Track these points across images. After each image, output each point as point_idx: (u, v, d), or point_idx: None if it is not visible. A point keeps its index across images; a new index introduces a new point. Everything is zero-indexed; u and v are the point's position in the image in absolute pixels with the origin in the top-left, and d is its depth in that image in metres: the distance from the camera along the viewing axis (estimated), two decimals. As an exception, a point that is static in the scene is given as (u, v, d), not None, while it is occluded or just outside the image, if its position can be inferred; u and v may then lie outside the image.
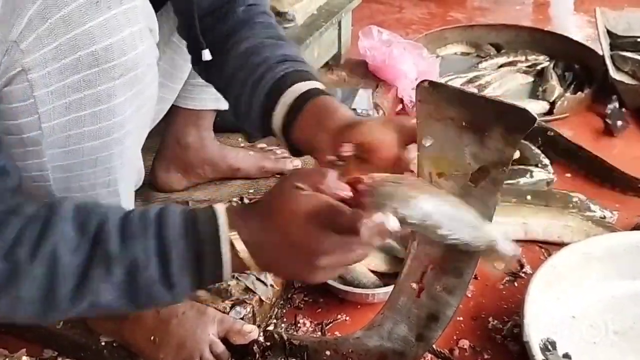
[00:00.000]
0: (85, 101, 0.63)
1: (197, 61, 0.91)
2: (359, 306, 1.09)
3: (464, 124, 0.60)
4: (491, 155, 0.60)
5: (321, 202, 0.57)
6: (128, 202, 0.79)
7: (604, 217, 1.25)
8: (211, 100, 1.18)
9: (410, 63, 1.65)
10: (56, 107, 0.62)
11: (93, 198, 0.72)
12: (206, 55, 0.84)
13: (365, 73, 1.68)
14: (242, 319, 0.97)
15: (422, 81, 0.61)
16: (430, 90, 0.61)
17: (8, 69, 0.59)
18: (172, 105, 1.17)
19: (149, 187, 1.22)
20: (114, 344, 0.94)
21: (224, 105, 1.19)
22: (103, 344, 0.94)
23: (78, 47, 0.59)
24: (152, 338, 0.88)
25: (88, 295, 0.58)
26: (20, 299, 0.57)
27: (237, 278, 1.02)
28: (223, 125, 1.31)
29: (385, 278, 1.11)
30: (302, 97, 0.75)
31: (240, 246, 0.59)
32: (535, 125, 1.49)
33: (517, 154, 0.60)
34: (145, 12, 0.67)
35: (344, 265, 0.61)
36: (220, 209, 0.60)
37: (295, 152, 0.79)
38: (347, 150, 0.66)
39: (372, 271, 1.12)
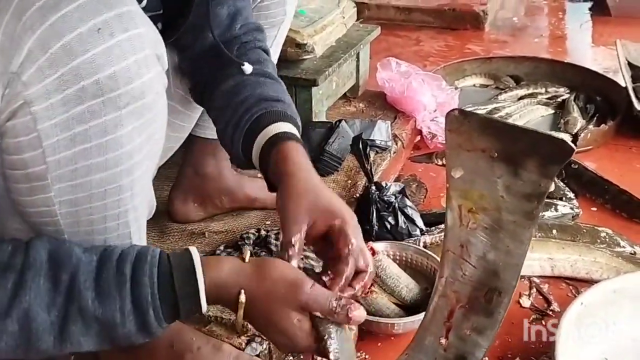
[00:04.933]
0: (90, 132, 0.60)
1: (194, 91, 0.98)
2: (379, 343, 1.05)
3: (496, 154, 0.57)
4: (525, 188, 0.57)
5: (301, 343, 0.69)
6: (139, 233, 0.77)
7: (634, 253, 1.20)
8: (228, 130, 1.17)
9: (429, 95, 1.63)
10: (60, 140, 0.60)
11: (102, 231, 0.70)
12: (247, 69, 0.89)
13: (384, 104, 1.67)
14: (257, 355, 0.94)
15: (452, 110, 0.59)
16: (460, 119, 0.59)
17: (10, 102, 0.57)
18: (190, 134, 1.16)
19: (165, 217, 1.20)
20: (126, 381, 0.91)
21: (241, 135, 1.20)
22: (114, 380, 0.91)
23: (81, 77, 0.57)
24: (165, 376, 0.85)
25: (68, 346, 0.61)
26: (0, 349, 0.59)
27: (253, 313, 0.99)
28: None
29: (407, 310, 1.07)
30: (270, 140, 0.81)
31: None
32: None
33: (552, 187, 0.57)
34: (152, 39, 0.65)
35: None
36: (195, 252, 0.66)
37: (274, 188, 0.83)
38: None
39: (395, 303, 1.08)
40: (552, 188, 0.57)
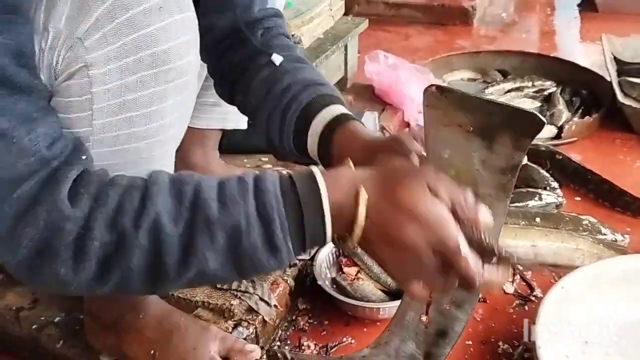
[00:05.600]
0: (139, 101, 0.63)
1: (219, 82, 0.94)
2: (365, 328, 1.07)
3: (471, 129, 0.59)
4: (500, 161, 0.58)
5: (451, 231, 0.57)
6: None
7: (616, 240, 1.22)
8: (217, 119, 1.18)
9: (416, 88, 1.65)
10: (110, 105, 0.63)
11: None
12: (277, 59, 0.85)
13: (372, 97, 1.69)
14: (244, 339, 0.95)
15: (430, 86, 0.61)
16: (438, 95, 0.60)
17: (70, 64, 0.60)
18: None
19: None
20: (114, 362, 0.92)
21: (229, 124, 1.20)
22: (103, 362, 0.92)
23: (140, 48, 0.61)
24: (152, 352, 0.86)
25: (195, 263, 0.58)
26: (131, 270, 0.58)
27: (240, 297, 1.00)
28: (229, 146, 1.31)
29: (393, 296, 1.09)
30: (329, 126, 0.77)
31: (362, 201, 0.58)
32: (544, 148, 1.50)
33: (525, 160, 0.58)
34: (195, 24, 0.69)
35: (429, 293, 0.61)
36: (317, 170, 0.61)
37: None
38: None
39: (381, 290, 1.10)
40: (524, 161, 0.58)
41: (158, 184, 0.59)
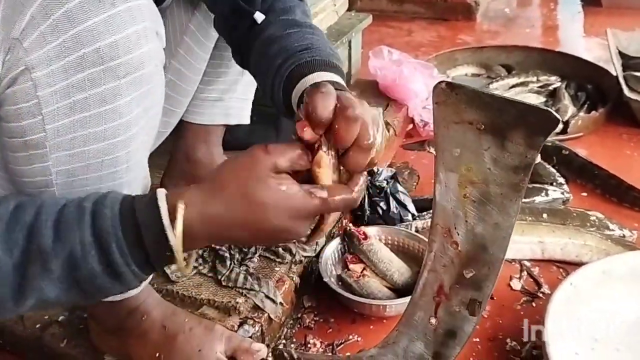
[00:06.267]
0: (90, 101, 0.60)
1: (235, 51, 0.91)
2: (371, 326, 1.06)
3: (483, 126, 0.57)
4: (512, 160, 0.57)
5: (296, 196, 0.60)
6: None
7: (624, 236, 1.21)
8: (220, 115, 1.17)
9: (420, 83, 1.64)
10: (60, 107, 0.60)
11: None
12: (259, 17, 0.83)
13: (376, 92, 1.67)
14: (250, 337, 0.94)
15: (440, 82, 0.59)
16: (447, 92, 0.59)
17: (11, 68, 0.57)
18: (181, 120, 1.16)
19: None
20: (119, 363, 0.91)
21: (233, 120, 1.19)
22: (107, 362, 0.92)
23: (82, 44, 0.57)
24: (157, 355, 0.85)
25: (31, 293, 0.57)
26: None
27: (245, 295, 0.99)
28: (233, 142, 1.30)
29: (399, 293, 1.08)
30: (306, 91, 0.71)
31: (179, 223, 0.57)
32: (550, 144, 1.49)
33: (538, 158, 0.57)
34: (151, 12, 0.65)
35: None
36: (160, 190, 0.59)
37: None
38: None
39: (387, 287, 1.09)
40: (538, 159, 0.57)
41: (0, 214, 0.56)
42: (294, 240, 0.61)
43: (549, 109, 0.54)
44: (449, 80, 0.59)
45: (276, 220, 0.59)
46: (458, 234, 0.65)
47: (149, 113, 0.68)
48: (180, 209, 0.57)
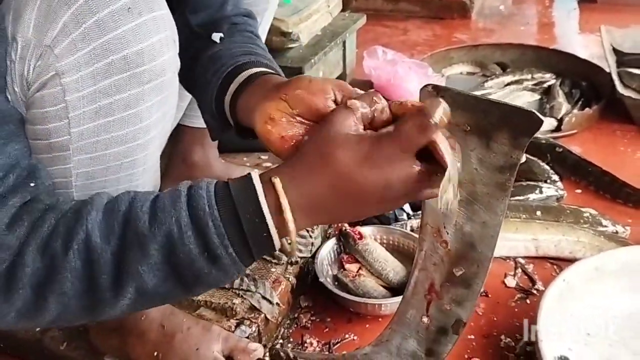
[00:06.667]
0: (114, 106, 0.63)
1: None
2: (367, 325, 1.07)
3: (469, 128, 0.59)
4: (498, 160, 0.58)
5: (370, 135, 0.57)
6: None
7: (617, 232, 1.22)
8: (216, 118, 1.18)
9: (415, 82, 1.65)
10: (86, 112, 0.62)
11: None
12: (216, 37, 0.83)
13: (371, 93, 1.68)
14: (247, 337, 0.95)
15: (426, 85, 0.60)
16: (434, 94, 0.60)
17: (41, 73, 0.60)
18: (178, 124, 1.17)
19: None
20: (118, 363, 0.92)
21: (228, 122, 1.20)
22: (107, 363, 0.93)
23: (111, 51, 0.60)
24: (155, 354, 0.86)
25: (130, 282, 0.56)
26: (66, 295, 0.56)
27: (242, 296, 1.00)
28: (229, 145, 1.31)
29: (394, 292, 1.09)
30: (249, 78, 0.73)
31: (283, 200, 0.55)
32: (544, 141, 1.50)
33: (523, 158, 0.58)
34: (171, 21, 0.68)
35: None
36: (254, 172, 0.58)
37: (244, 134, 0.75)
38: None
39: (383, 286, 1.10)
40: (523, 159, 0.58)
41: (93, 204, 0.58)
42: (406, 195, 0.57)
43: (533, 110, 0.55)
44: (435, 82, 0.60)
45: (363, 173, 0.55)
46: (447, 233, 0.66)
47: (165, 117, 0.70)
48: (277, 182, 0.55)
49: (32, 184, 0.60)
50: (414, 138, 0.56)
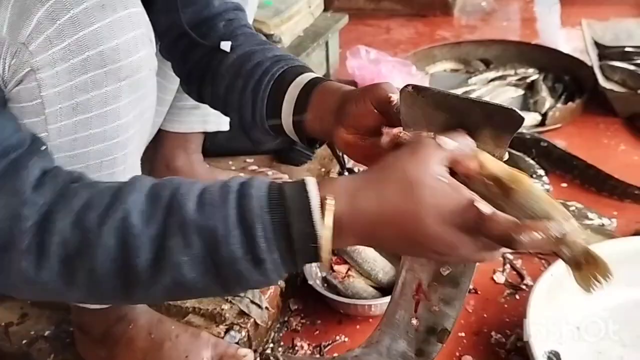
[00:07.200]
0: (92, 102, 0.63)
1: (186, 81, 0.90)
2: (357, 326, 1.07)
3: (451, 127, 0.58)
4: (481, 158, 0.58)
5: (466, 201, 0.52)
6: None
7: (603, 225, 1.23)
8: (198, 122, 1.17)
9: (399, 80, 1.65)
10: (63, 108, 0.62)
11: None
12: (226, 46, 0.82)
13: (355, 92, 1.68)
14: (237, 343, 0.95)
15: (406, 86, 0.60)
16: (415, 95, 0.60)
17: (17, 70, 0.60)
18: (160, 129, 1.17)
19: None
20: (106, 375, 0.91)
21: (211, 127, 1.20)
22: (95, 375, 0.92)
23: (86, 47, 0.60)
24: (144, 363, 0.85)
25: (169, 269, 0.53)
26: (95, 272, 0.53)
27: (230, 302, 1.00)
28: (213, 149, 1.30)
29: (384, 292, 1.09)
30: (305, 89, 0.73)
31: (328, 220, 0.53)
32: (529, 136, 1.50)
33: (506, 156, 0.58)
34: (146, 19, 0.68)
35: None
36: (311, 182, 0.55)
37: (312, 144, 0.76)
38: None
39: (372, 286, 1.10)
40: (506, 157, 0.58)
41: (134, 185, 0.55)
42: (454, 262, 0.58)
43: (513, 108, 0.55)
44: (415, 83, 0.60)
45: (432, 224, 0.52)
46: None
47: (144, 116, 0.70)
48: (330, 199, 0.53)
49: (42, 148, 0.59)
50: (496, 240, 0.52)
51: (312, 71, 0.77)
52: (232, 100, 0.80)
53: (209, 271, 0.54)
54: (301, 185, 0.54)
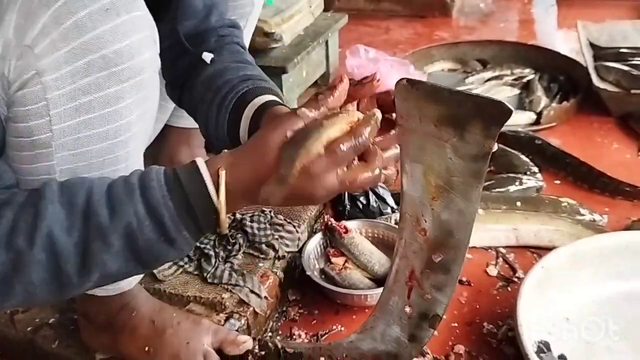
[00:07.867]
0: (94, 103, 0.65)
1: (170, 85, 0.96)
2: (354, 316, 1.10)
3: (443, 119, 0.61)
4: (471, 149, 0.61)
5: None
6: None
7: (594, 220, 1.26)
8: (201, 118, 1.20)
9: (397, 79, 1.67)
10: (67, 109, 0.64)
11: None
12: (207, 57, 0.88)
13: (354, 91, 1.70)
14: (237, 331, 0.97)
15: (400, 79, 0.63)
16: (409, 88, 0.63)
17: (22, 73, 0.62)
18: (165, 124, 1.19)
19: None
20: (110, 360, 0.94)
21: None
22: (99, 360, 0.94)
23: (90, 51, 0.62)
24: (146, 349, 0.88)
25: (95, 269, 0.62)
26: (33, 284, 0.61)
27: (230, 291, 1.02)
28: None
29: (379, 284, 1.12)
30: (259, 110, 0.79)
31: (222, 193, 0.62)
32: (524, 134, 1.53)
33: (495, 147, 0.61)
34: (150, 22, 0.70)
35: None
36: (201, 161, 0.64)
37: None
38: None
39: (369, 278, 1.13)
40: (495, 148, 0.61)
41: (49, 197, 0.61)
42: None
43: (503, 101, 0.58)
44: (411, 77, 0.63)
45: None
46: (425, 222, 0.68)
47: (146, 115, 0.73)
48: (222, 174, 0.62)
49: None
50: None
51: (275, 93, 0.83)
52: (201, 110, 0.88)
53: (131, 259, 0.63)
54: (194, 167, 0.63)
